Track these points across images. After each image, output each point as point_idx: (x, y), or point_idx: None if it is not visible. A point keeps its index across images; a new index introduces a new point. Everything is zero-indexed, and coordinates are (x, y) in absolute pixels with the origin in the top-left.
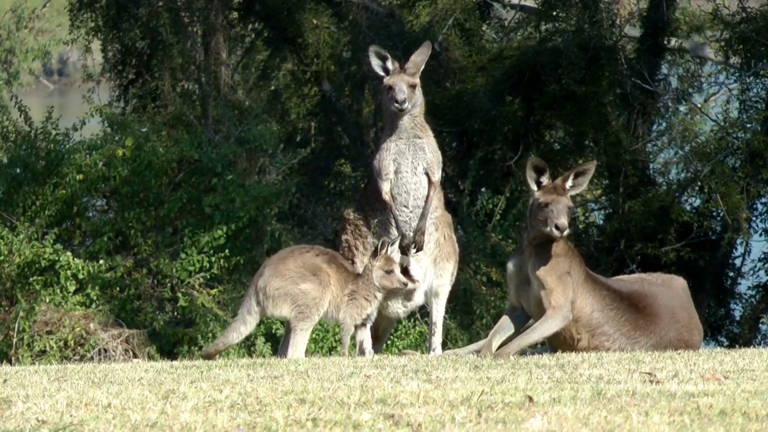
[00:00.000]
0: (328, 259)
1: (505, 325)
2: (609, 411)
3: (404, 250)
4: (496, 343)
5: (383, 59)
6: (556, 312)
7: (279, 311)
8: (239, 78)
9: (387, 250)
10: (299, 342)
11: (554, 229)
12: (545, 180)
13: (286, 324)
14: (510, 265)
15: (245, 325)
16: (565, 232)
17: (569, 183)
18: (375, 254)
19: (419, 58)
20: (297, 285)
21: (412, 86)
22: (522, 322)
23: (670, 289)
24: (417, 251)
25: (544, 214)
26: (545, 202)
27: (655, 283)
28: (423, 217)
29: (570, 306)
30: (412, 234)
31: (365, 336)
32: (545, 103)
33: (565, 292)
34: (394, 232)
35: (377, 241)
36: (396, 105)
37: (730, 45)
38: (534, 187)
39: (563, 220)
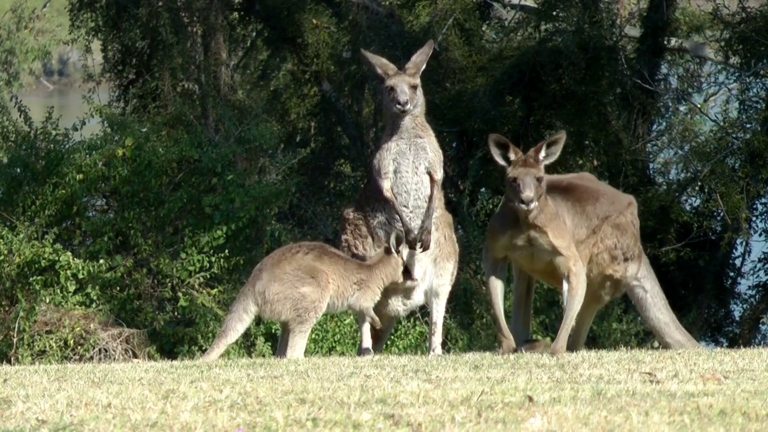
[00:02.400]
0: (320, 254)
1: (501, 297)
2: (609, 411)
3: (411, 245)
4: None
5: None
6: (578, 276)
7: (278, 315)
8: (239, 78)
9: (401, 245)
10: (298, 343)
11: (520, 204)
12: (513, 155)
13: (283, 324)
14: (504, 238)
15: (242, 322)
16: (532, 205)
17: (542, 154)
18: (388, 250)
19: (420, 58)
20: (296, 289)
21: (413, 87)
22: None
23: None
24: (423, 250)
25: (512, 190)
26: (513, 176)
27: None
28: (429, 216)
29: (578, 254)
30: (417, 232)
31: (365, 335)
32: (545, 103)
33: (574, 250)
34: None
35: (387, 238)
36: (398, 107)
37: (730, 45)
38: (503, 163)
39: (528, 193)
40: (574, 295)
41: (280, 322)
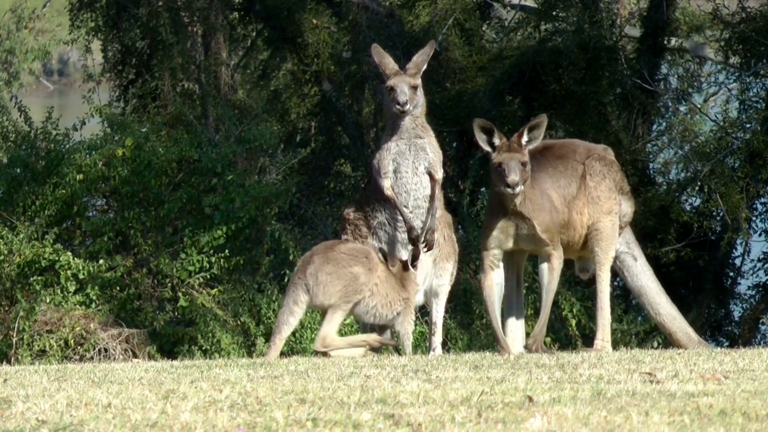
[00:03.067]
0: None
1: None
2: (609, 411)
3: (413, 242)
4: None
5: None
6: (558, 258)
7: (329, 298)
8: (239, 78)
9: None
10: (335, 319)
11: (505, 188)
12: (497, 140)
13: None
14: (494, 230)
15: (293, 315)
16: (518, 188)
17: (525, 138)
18: (406, 266)
19: (420, 58)
20: (348, 267)
21: (414, 87)
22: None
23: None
24: (428, 250)
25: (498, 175)
26: (498, 162)
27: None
28: (432, 215)
29: (559, 238)
30: (420, 231)
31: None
32: (545, 103)
33: (557, 237)
34: (394, 232)
35: (389, 240)
36: (397, 107)
37: (729, 45)
38: (488, 149)
39: (513, 177)
40: (553, 272)
41: (326, 308)
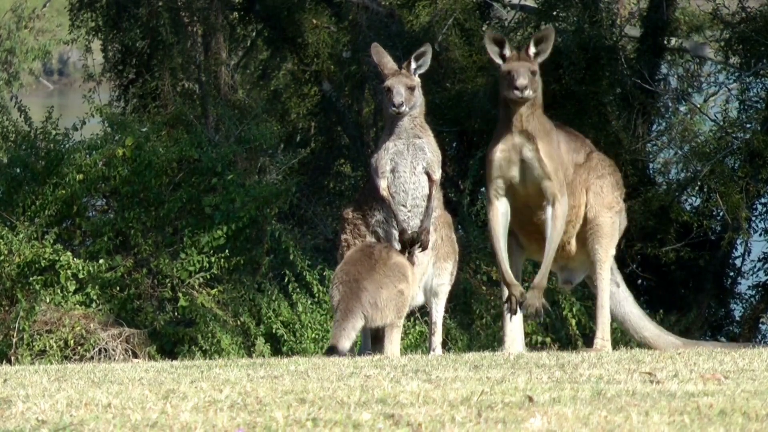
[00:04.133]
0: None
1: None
2: (609, 411)
3: (404, 246)
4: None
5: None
6: (562, 204)
7: (385, 320)
8: (239, 78)
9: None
10: (395, 338)
11: (514, 91)
12: (508, 52)
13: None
14: (497, 152)
15: (350, 341)
16: (527, 92)
17: (532, 49)
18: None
19: (420, 58)
20: (395, 288)
21: (411, 88)
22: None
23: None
24: (422, 250)
25: (507, 81)
26: (507, 69)
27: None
28: (428, 215)
29: (565, 185)
30: (415, 231)
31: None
32: (545, 102)
33: (562, 178)
34: (392, 230)
35: (388, 238)
36: (393, 108)
37: (730, 45)
38: (499, 61)
39: (522, 80)
40: (556, 221)
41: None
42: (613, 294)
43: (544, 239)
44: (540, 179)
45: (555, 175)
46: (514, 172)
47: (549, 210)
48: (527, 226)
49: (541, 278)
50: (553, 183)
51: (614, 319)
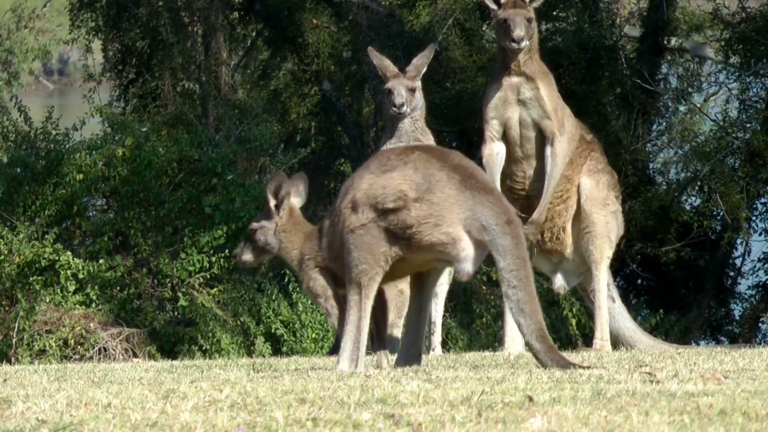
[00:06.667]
0: None
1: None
2: (609, 411)
3: None
4: None
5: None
6: (561, 143)
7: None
8: (239, 78)
9: None
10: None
11: (510, 43)
12: None
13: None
14: (493, 92)
15: None
16: (523, 43)
17: None
18: None
19: (420, 61)
20: (396, 287)
21: (412, 90)
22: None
23: None
24: None
25: (503, 31)
26: (503, 17)
27: None
28: None
29: (564, 126)
30: None
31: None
32: None
33: (561, 117)
34: None
35: None
36: (394, 109)
37: (730, 45)
38: (494, 6)
39: (518, 31)
40: (556, 158)
41: None
42: (609, 308)
43: (528, 199)
44: (540, 119)
45: (554, 114)
46: (511, 113)
47: (548, 148)
48: (515, 184)
49: (539, 214)
50: (552, 122)
51: (614, 335)
